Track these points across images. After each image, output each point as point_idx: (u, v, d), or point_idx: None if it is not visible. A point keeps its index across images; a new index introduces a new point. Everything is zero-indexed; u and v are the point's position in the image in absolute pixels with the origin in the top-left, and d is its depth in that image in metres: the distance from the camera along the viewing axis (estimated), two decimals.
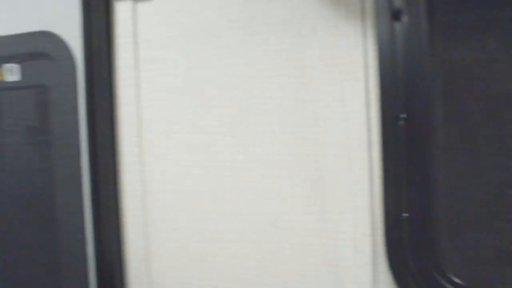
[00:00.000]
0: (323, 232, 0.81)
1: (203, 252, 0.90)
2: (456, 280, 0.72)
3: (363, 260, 0.79)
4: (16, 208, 1.11)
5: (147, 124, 0.95)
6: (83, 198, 0.99)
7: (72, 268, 1.02)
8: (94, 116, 0.97)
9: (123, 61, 0.96)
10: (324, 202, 0.81)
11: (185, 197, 0.92)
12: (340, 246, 0.80)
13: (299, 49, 0.82)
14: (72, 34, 1.01)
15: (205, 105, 0.89)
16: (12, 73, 1.11)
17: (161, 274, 0.94)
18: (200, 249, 0.90)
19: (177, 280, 0.93)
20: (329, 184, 0.81)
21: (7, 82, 1.11)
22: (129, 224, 0.95)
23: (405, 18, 0.75)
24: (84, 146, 0.98)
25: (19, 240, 1.12)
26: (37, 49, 1.07)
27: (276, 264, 0.85)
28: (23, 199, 1.10)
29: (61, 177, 1.04)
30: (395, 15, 0.76)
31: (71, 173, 1.02)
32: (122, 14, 0.95)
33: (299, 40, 0.82)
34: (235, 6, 0.86)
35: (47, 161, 1.07)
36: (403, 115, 0.76)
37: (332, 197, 0.81)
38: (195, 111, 0.90)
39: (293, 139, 0.83)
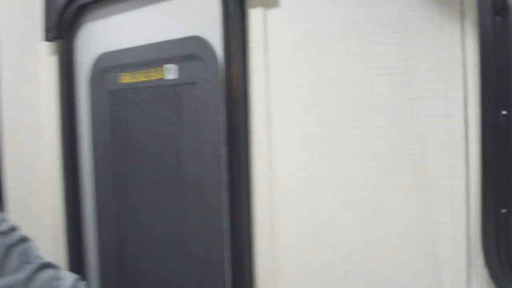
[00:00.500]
0: (424, 223, 0.94)
1: (318, 233, 1.09)
2: None
3: (460, 252, 0.89)
4: (170, 189, 1.45)
5: (275, 118, 1.17)
6: (222, 180, 1.27)
7: (212, 240, 1.31)
8: (232, 110, 1.23)
9: (255, 62, 1.19)
10: (425, 194, 0.94)
11: (305, 184, 1.11)
12: (439, 237, 0.92)
13: (406, 49, 0.95)
14: (216, 38, 1.29)
15: (323, 101, 1.08)
16: (171, 72, 1.43)
17: (283, 250, 1.16)
18: (316, 230, 1.10)
19: (296, 257, 1.14)
20: (431, 177, 0.93)
21: (168, 80, 1.44)
22: (258, 204, 1.19)
23: (508, 15, 0.84)
24: (224, 135, 1.25)
25: (174, 215, 1.45)
26: (190, 51, 1.37)
27: (380, 249, 1.00)
28: (176, 180, 1.43)
29: (206, 161, 1.33)
30: (498, 12, 0.84)
31: (213, 159, 1.30)
32: (255, 20, 1.18)
33: (406, 41, 0.95)
34: (351, 10, 1.02)
35: (196, 148, 1.37)
36: (503, 112, 0.84)
37: (433, 189, 0.93)
38: (314, 107, 1.09)
39: (398, 134, 0.97)
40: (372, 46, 1.00)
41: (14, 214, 1.86)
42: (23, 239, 0.98)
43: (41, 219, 1.92)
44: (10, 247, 0.92)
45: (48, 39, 1.76)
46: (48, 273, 0.94)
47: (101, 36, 1.64)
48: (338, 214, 1.06)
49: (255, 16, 1.18)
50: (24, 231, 1.82)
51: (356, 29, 1.02)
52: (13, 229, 0.97)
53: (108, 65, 1.60)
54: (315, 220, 1.10)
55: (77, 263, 1.80)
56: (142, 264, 1.59)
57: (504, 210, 0.85)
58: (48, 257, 1.84)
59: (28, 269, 0.91)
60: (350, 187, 1.04)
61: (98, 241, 1.76)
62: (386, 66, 0.98)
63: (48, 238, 1.89)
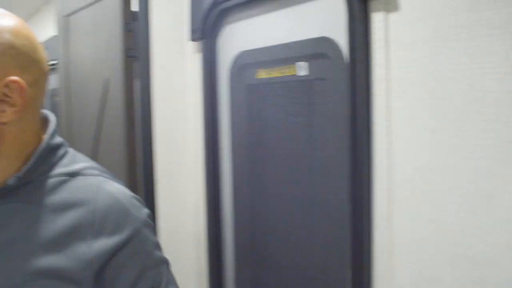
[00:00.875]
0: None
1: (431, 217, 1.29)
2: None
3: None
4: (299, 175, 1.72)
5: (394, 111, 1.38)
6: (346, 168, 1.51)
7: (335, 222, 1.56)
8: (356, 103, 1.46)
9: (377, 60, 1.40)
10: None
11: (420, 171, 1.31)
12: None
13: None
14: (341, 39, 1.53)
15: (438, 96, 1.26)
16: (302, 69, 1.70)
17: (399, 232, 1.37)
18: (429, 215, 1.29)
19: (411, 239, 1.34)
20: None
21: (299, 76, 1.71)
22: (377, 190, 1.41)
23: None
24: (348, 127, 1.49)
25: (302, 199, 1.72)
26: (319, 50, 1.62)
27: (488, 234, 1.17)
28: (305, 167, 1.70)
29: (331, 151, 1.58)
30: None
31: (338, 148, 1.55)
32: (377, 23, 1.39)
33: None
34: (463, 14, 1.20)
35: (323, 138, 1.62)
36: None
37: None
38: (430, 102, 1.28)
39: (506, 127, 1.13)
40: (482, 47, 1.17)
41: (162, 193, 2.27)
42: (160, 262, 1.03)
43: (184, 198, 2.32)
44: (145, 269, 0.96)
45: (193, 39, 2.12)
46: None
47: (240, 36, 1.96)
48: (449, 200, 1.25)
49: (377, 19, 1.39)
50: (169, 207, 2.22)
51: (468, 31, 1.20)
52: (156, 247, 1.03)
53: (246, 62, 1.91)
54: (428, 205, 1.30)
55: (214, 237, 2.15)
56: (271, 243, 1.89)
57: None
58: (190, 231, 2.23)
59: None
60: (461, 175, 1.23)
61: (234, 220, 2.10)
62: (495, 66, 1.15)
63: (190, 216, 2.28)
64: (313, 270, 1.72)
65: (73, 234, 0.90)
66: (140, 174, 2.24)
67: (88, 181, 0.96)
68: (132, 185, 2.19)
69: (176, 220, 2.33)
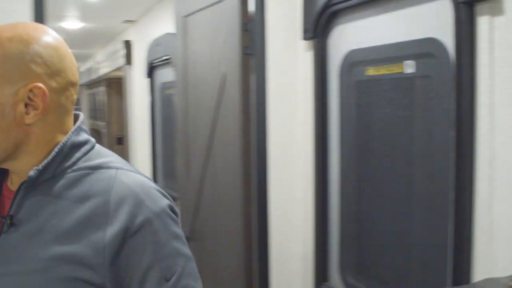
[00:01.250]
0: None
1: None
2: None
3: None
4: (403, 164, 1.92)
5: (497, 107, 1.54)
6: (449, 157, 1.69)
7: (436, 208, 1.75)
8: (461, 100, 1.63)
9: (482, 60, 1.57)
10: None
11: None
12: None
13: None
14: (447, 40, 1.71)
15: None
16: (409, 67, 1.89)
17: (499, 217, 1.53)
18: None
19: (509, 222, 1.51)
20: None
21: (406, 73, 1.91)
22: (479, 176, 1.57)
23: None
24: (453, 120, 1.67)
25: (405, 184, 1.92)
26: (426, 50, 1.81)
27: None
28: (409, 157, 1.89)
29: (435, 142, 1.77)
30: None
31: (441, 139, 1.73)
32: (483, 26, 1.56)
33: None
34: None
35: (428, 130, 1.81)
36: None
37: None
38: None
39: None
40: None
41: (273, 182, 2.54)
42: (176, 253, 1.03)
43: (294, 187, 2.58)
44: (157, 259, 1.00)
45: (305, 38, 2.37)
46: None
47: (350, 36, 2.18)
48: None
49: (483, 22, 1.56)
50: (280, 195, 2.48)
51: None
52: (174, 238, 1.04)
53: (356, 60, 2.14)
54: None
55: (321, 223, 2.39)
56: (376, 229, 2.10)
57: None
58: (298, 217, 2.49)
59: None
60: None
61: (340, 207, 2.33)
62: None
63: (298, 204, 2.54)
64: (415, 254, 1.91)
65: (89, 223, 0.97)
66: (253, 164, 2.52)
67: (108, 173, 1.03)
68: (246, 174, 2.48)
69: (285, 206, 2.59)
